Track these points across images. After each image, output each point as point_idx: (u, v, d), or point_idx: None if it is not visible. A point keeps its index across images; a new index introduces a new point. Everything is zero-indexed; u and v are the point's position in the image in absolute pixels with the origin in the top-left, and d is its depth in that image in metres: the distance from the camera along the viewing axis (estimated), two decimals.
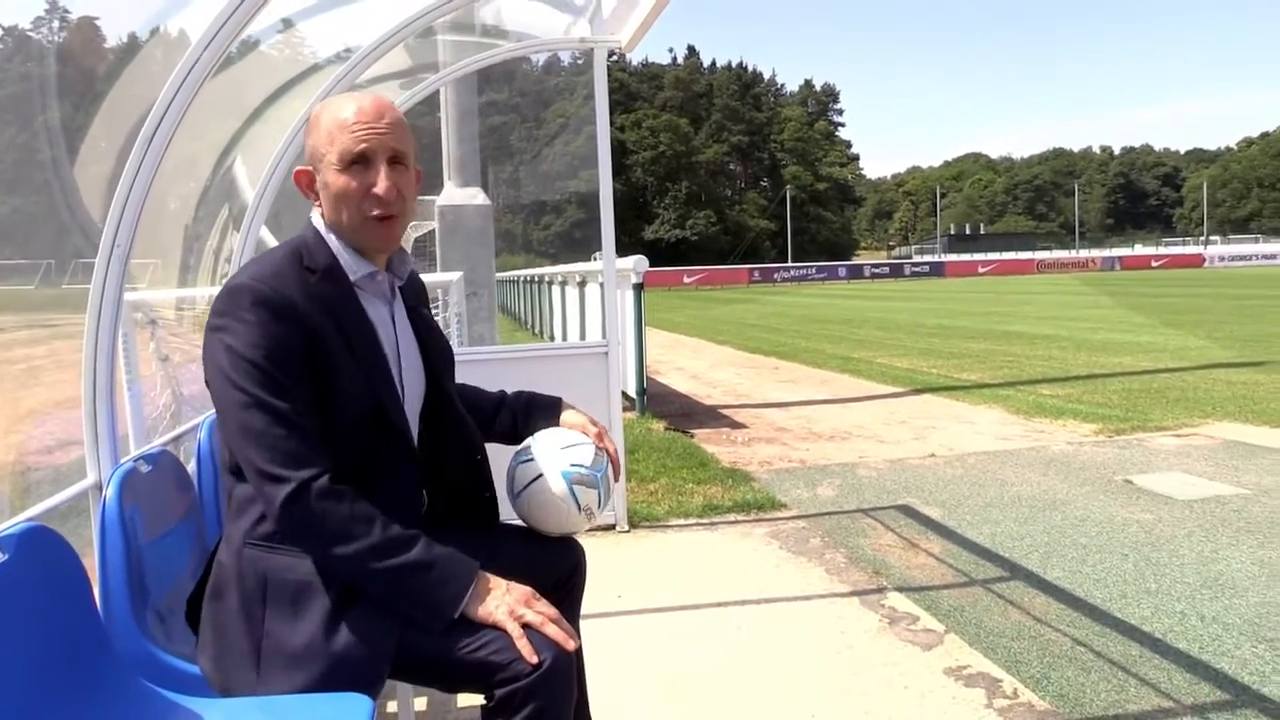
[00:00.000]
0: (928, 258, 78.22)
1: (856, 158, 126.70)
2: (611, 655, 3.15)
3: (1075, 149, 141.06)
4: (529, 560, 1.86)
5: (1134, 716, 2.67)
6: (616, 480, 2.06)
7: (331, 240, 1.74)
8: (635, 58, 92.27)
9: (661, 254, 79.28)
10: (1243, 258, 66.80)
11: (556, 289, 14.54)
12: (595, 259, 11.77)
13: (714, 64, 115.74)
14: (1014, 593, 3.74)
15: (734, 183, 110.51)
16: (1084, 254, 75.23)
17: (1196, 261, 64.97)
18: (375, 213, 1.70)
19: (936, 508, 5.05)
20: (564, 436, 2.01)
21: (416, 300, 1.95)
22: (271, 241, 4.92)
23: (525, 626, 1.58)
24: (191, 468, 2.51)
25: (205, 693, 1.66)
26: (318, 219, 1.77)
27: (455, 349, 2.10)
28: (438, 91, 8.50)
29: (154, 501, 2.05)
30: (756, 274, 60.89)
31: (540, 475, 1.93)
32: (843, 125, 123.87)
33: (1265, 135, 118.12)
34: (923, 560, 4.19)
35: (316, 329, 1.62)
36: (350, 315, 1.70)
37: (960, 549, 4.33)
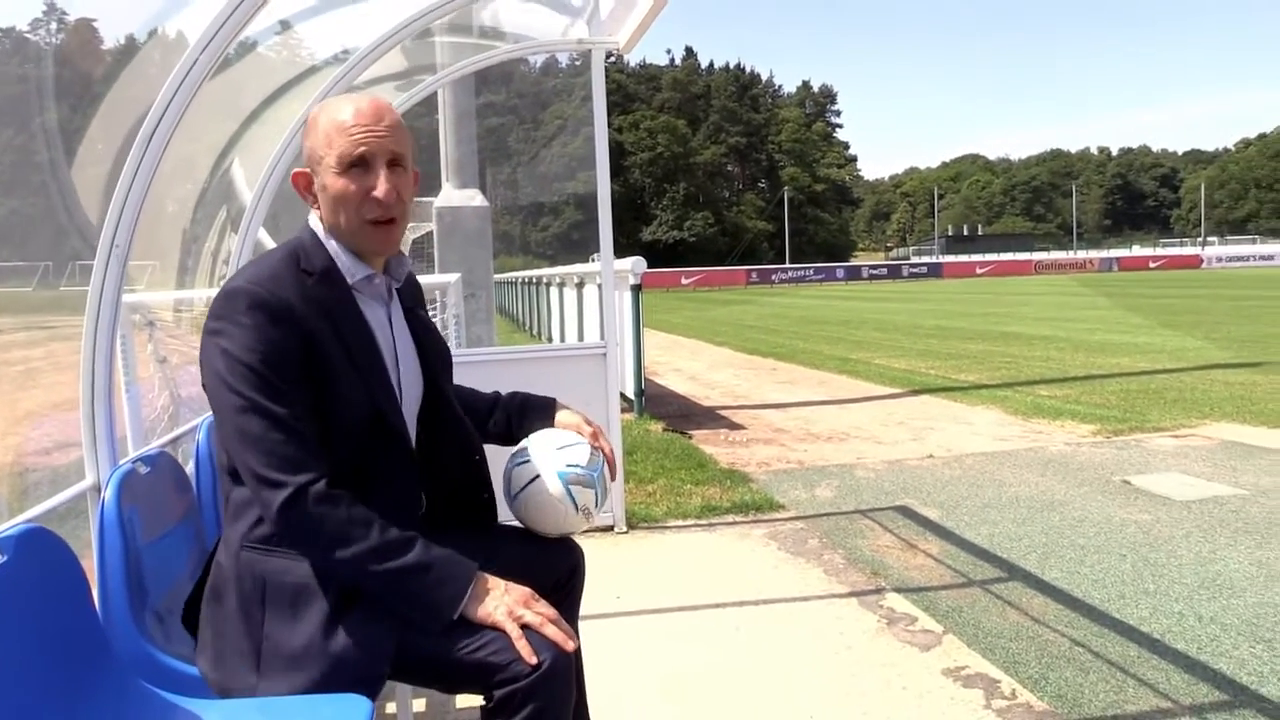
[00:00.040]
0: (925, 259, 78.24)
1: (854, 159, 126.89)
2: (610, 656, 3.15)
3: (1073, 150, 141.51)
4: (527, 561, 1.86)
5: (1132, 717, 2.68)
6: (613, 479, 2.06)
7: (329, 243, 1.74)
8: (633, 59, 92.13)
9: (659, 255, 79.31)
10: (1240, 258, 66.87)
11: (554, 290, 14.53)
12: (593, 260, 11.78)
13: (711, 65, 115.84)
14: (1012, 593, 3.74)
15: (732, 184, 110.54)
16: (1082, 255, 75.28)
17: (1194, 262, 65.05)
18: (374, 216, 1.69)
19: (934, 508, 5.06)
20: (559, 437, 2.01)
21: (413, 301, 1.95)
22: (269, 243, 4.92)
23: (524, 627, 1.58)
24: (190, 469, 2.51)
25: (204, 694, 1.66)
26: (315, 221, 1.77)
27: (453, 350, 2.10)
28: (436, 93, 8.51)
29: (152, 503, 2.05)
30: (754, 275, 60.88)
31: (536, 477, 1.93)
32: (840, 126, 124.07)
33: (1263, 136, 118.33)
34: (921, 561, 4.19)
35: (314, 332, 1.62)
36: (348, 319, 1.70)
37: (958, 550, 4.33)
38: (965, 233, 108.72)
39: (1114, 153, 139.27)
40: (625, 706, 2.84)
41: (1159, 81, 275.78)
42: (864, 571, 4.05)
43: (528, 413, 2.11)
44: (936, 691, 2.89)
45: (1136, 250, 78.86)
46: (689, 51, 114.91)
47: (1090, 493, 5.25)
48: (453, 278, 7.10)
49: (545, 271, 17.62)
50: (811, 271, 63.85)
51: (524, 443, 2.02)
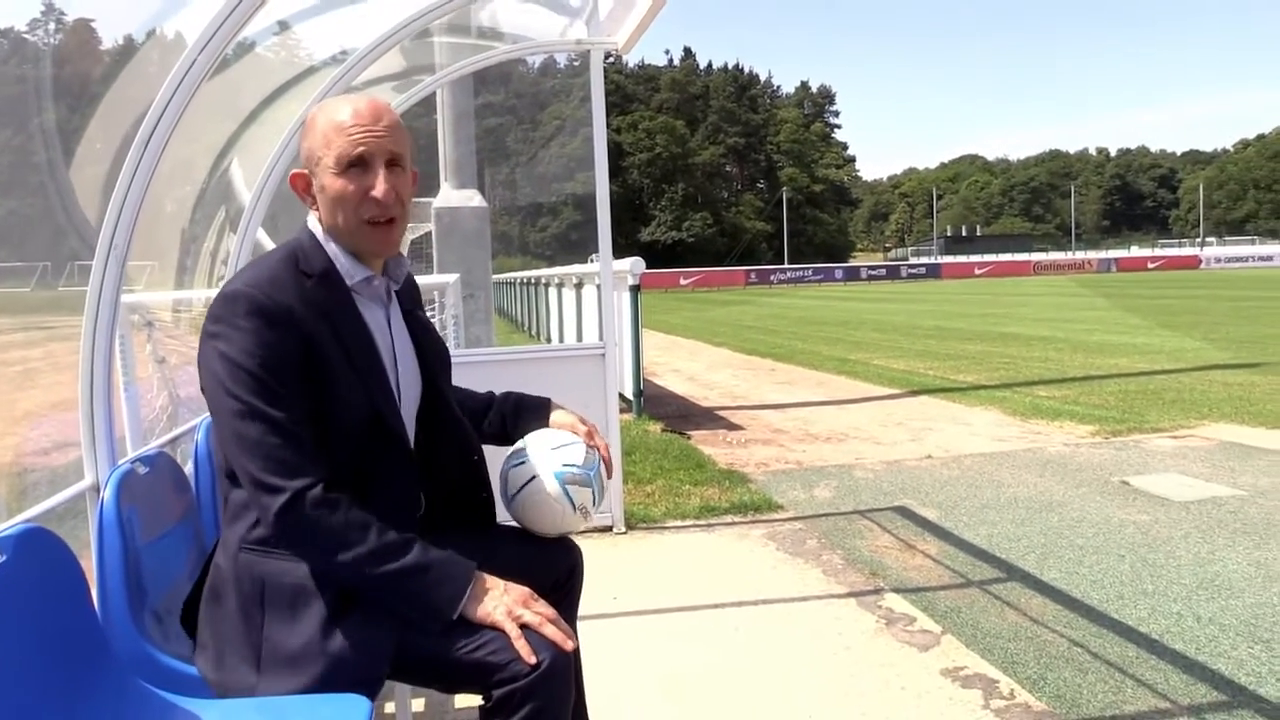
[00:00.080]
0: (924, 259, 78.27)
1: (853, 159, 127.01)
2: (609, 656, 3.15)
3: (1071, 151, 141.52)
4: (526, 561, 1.86)
5: (1131, 717, 2.68)
6: (609, 477, 2.06)
7: (328, 244, 1.73)
8: (631, 59, 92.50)
9: (658, 256, 79.32)
10: (1239, 259, 66.99)
11: (553, 291, 14.54)
12: (592, 261, 11.77)
13: (710, 66, 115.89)
14: (1011, 594, 3.74)
15: (730, 184, 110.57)
16: (1080, 255, 75.34)
17: (1193, 263, 65.12)
18: (373, 216, 1.69)
19: (933, 509, 5.06)
20: (554, 437, 2.02)
21: (412, 302, 1.94)
22: (268, 244, 4.92)
23: (523, 627, 1.58)
24: (189, 469, 2.51)
25: (203, 693, 1.66)
26: (314, 222, 1.76)
27: (452, 351, 2.10)
28: (434, 93, 8.50)
29: (151, 503, 2.05)
30: (753, 276, 60.93)
31: (533, 478, 1.94)
32: (839, 127, 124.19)
33: (1261, 137, 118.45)
34: (919, 561, 4.20)
35: (313, 336, 1.62)
36: (347, 321, 1.70)
37: (957, 550, 4.33)
38: (964, 233, 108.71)
39: (1112, 153, 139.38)
40: (624, 706, 2.84)
41: (1158, 82, 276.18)
42: (863, 572, 4.05)
43: (522, 413, 2.11)
44: (935, 692, 2.89)
45: (1135, 251, 78.98)
46: (687, 52, 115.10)
47: (1089, 493, 5.26)
48: (451, 278, 7.10)
49: (544, 272, 17.63)
50: (810, 272, 63.91)
51: (520, 444, 2.02)
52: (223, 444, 1.61)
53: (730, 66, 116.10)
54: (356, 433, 1.66)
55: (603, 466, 2.02)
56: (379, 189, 1.67)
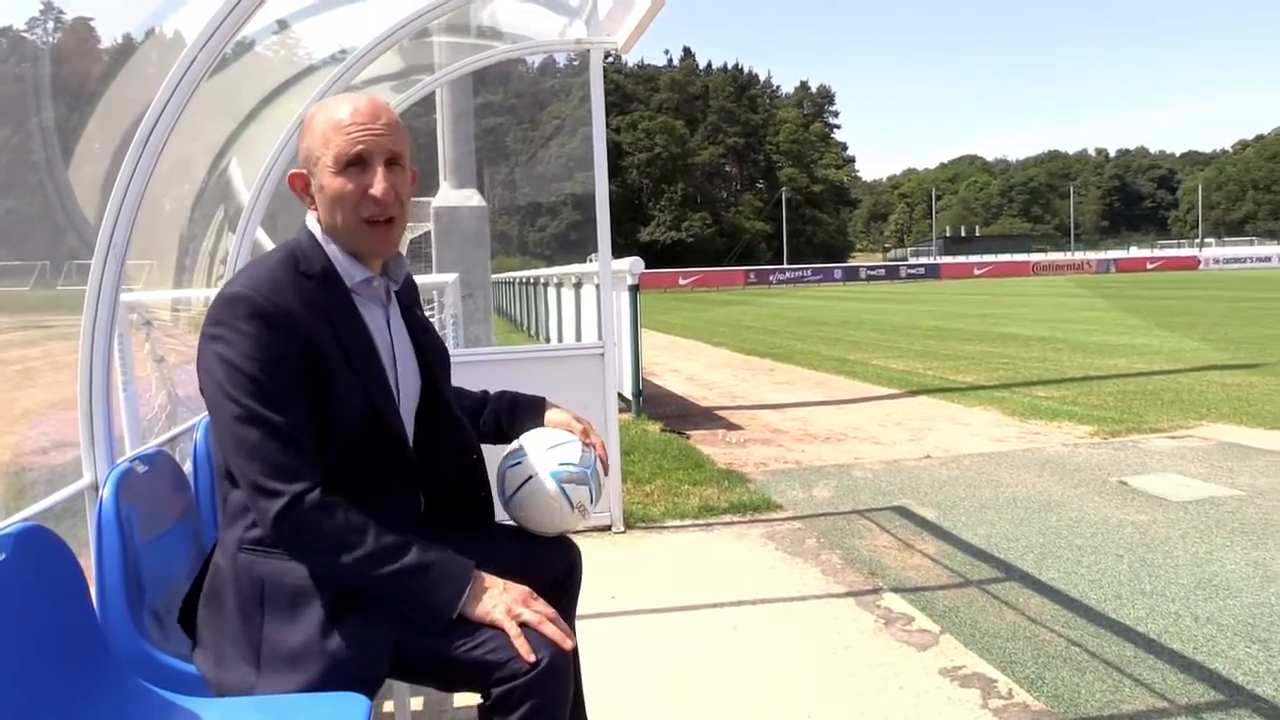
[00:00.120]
0: (923, 260, 78.29)
1: (852, 160, 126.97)
2: (608, 656, 3.15)
3: (1070, 151, 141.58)
4: (525, 561, 1.87)
5: (1128, 717, 2.68)
6: (606, 474, 2.07)
7: (327, 245, 1.73)
8: (631, 59, 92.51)
9: (657, 256, 79.35)
10: (1237, 260, 67.06)
11: (552, 290, 14.54)
12: (591, 260, 11.78)
13: (710, 66, 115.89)
14: (1009, 593, 3.74)
15: (729, 184, 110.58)
16: (1079, 256, 75.38)
17: (1191, 264, 65.18)
18: (371, 215, 1.68)
19: (932, 509, 5.06)
20: (550, 436, 2.02)
21: (410, 301, 1.94)
22: (267, 243, 4.91)
23: (523, 625, 1.59)
24: (188, 468, 2.51)
25: (202, 692, 1.66)
26: (313, 223, 1.75)
27: (451, 350, 2.10)
28: (433, 93, 8.50)
29: (150, 502, 2.05)
30: (752, 276, 60.95)
31: (530, 477, 1.94)
32: (838, 127, 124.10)
33: (1260, 138, 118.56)
34: (918, 561, 4.20)
35: (312, 338, 1.61)
36: (347, 323, 1.69)
37: (956, 550, 4.34)
38: (963, 234, 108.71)
39: (1111, 154, 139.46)
40: (623, 706, 2.84)
41: (1157, 83, 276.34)
42: (861, 571, 4.05)
43: (518, 411, 2.11)
44: (933, 691, 2.89)
45: (1134, 251, 79.07)
46: (687, 52, 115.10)
47: (1087, 493, 5.26)
48: (450, 278, 7.09)
49: (543, 272, 17.62)
50: (809, 272, 63.96)
51: (516, 444, 2.03)
52: (221, 447, 1.61)
53: (730, 66, 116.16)
54: (356, 433, 1.66)
55: (599, 464, 2.02)
56: (378, 188, 1.66)
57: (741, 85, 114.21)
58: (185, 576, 2.00)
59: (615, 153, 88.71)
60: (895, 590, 3.81)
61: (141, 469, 2.05)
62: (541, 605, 1.63)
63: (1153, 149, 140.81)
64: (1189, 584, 3.76)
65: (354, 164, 1.66)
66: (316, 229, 1.74)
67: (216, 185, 5.25)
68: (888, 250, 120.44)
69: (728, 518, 5.00)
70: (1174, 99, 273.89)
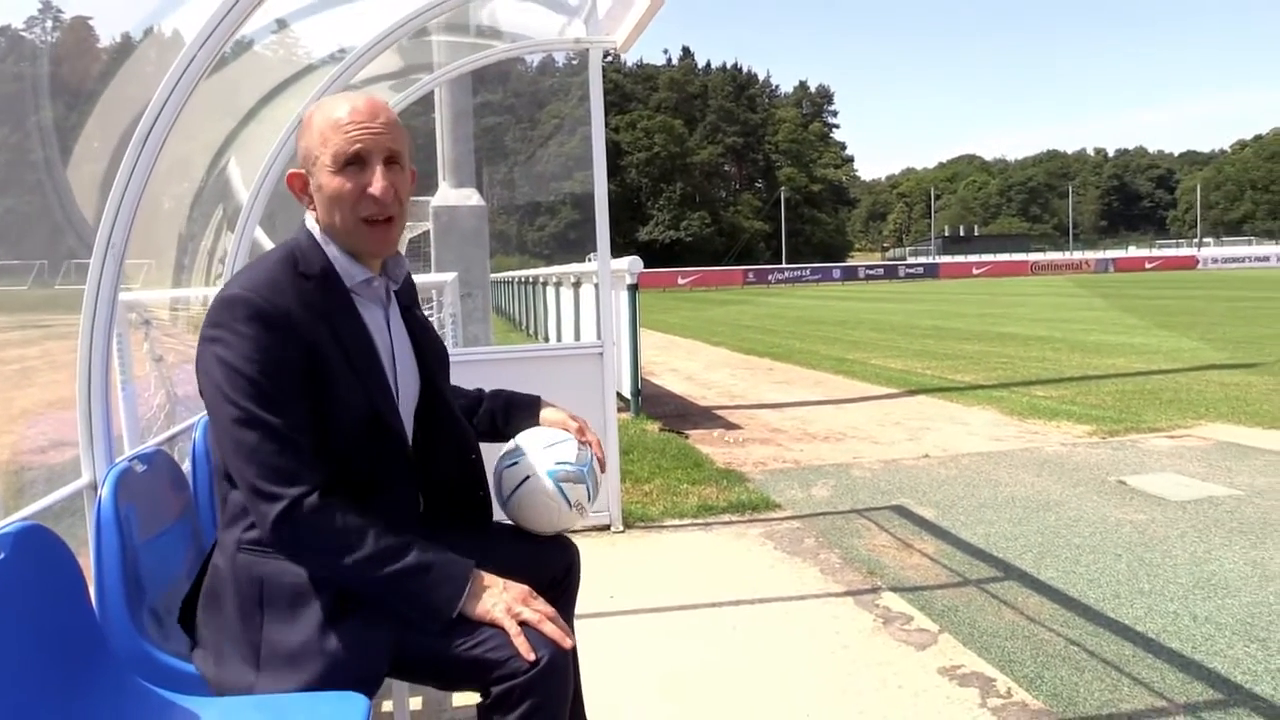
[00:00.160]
0: (922, 259, 78.33)
1: (851, 159, 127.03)
2: (607, 655, 3.15)
3: (1069, 151, 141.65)
4: (523, 560, 1.86)
5: (1127, 716, 2.68)
6: (603, 471, 2.07)
7: (327, 245, 1.72)
8: (630, 59, 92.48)
9: (656, 255, 79.35)
10: (1236, 260, 67.13)
11: (551, 290, 14.53)
12: (590, 260, 11.77)
13: (709, 65, 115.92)
14: (1008, 593, 3.75)
15: (728, 184, 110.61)
16: (1078, 256, 75.45)
17: (1190, 263, 65.24)
18: (370, 214, 1.67)
19: (930, 508, 5.06)
20: (546, 435, 2.02)
21: (409, 300, 1.94)
22: (266, 243, 4.91)
23: (522, 624, 1.58)
24: (186, 467, 2.51)
25: (202, 691, 1.66)
26: (312, 222, 1.74)
27: (450, 350, 2.10)
28: (432, 92, 8.50)
29: (149, 501, 2.04)
30: (751, 275, 60.95)
31: (527, 478, 1.94)
32: (837, 127, 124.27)
33: (1258, 138, 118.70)
34: (917, 560, 4.20)
35: (312, 339, 1.61)
36: (346, 323, 1.69)
37: (954, 549, 4.34)
38: (961, 233, 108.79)
39: (1110, 154, 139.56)
40: (622, 705, 2.84)
41: (1155, 83, 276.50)
42: (860, 571, 4.06)
43: (513, 410, 2.12)
44: (932, 690, 2.90)
45: (1132, 251, 79.09)
46: (686, 51, 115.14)
47: (1086, 493, 5.26)
48: (449, 277, 7.09)
49: (542, 271, 17.62)
50: (808, 272, 63.96)
51: (512, 444, 2.03)
52: (220, 449, 1.61)
53: (729, 66, 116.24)
54: (356, 434, 1.66)
55: (596, 462, 2.03)
56: (376, 186, 1.65)
57: (740, 85, 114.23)
58: (184, 576, 2.00)
59: (614, 152, 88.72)
60: (894, 589, 3.81)
61: (140, 468, 2.05)
62: (541, 604, 1.63)
63: (1151, 149, 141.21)
64: (1187, 583, 3.77)
65: (352, 163, 1.65)
66: (315, 229, 1.74)
67: (215, 184, 5.25)
68: (886, 250, 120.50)
69: (726, 517, 5.00)
70: (1173, 99, 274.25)
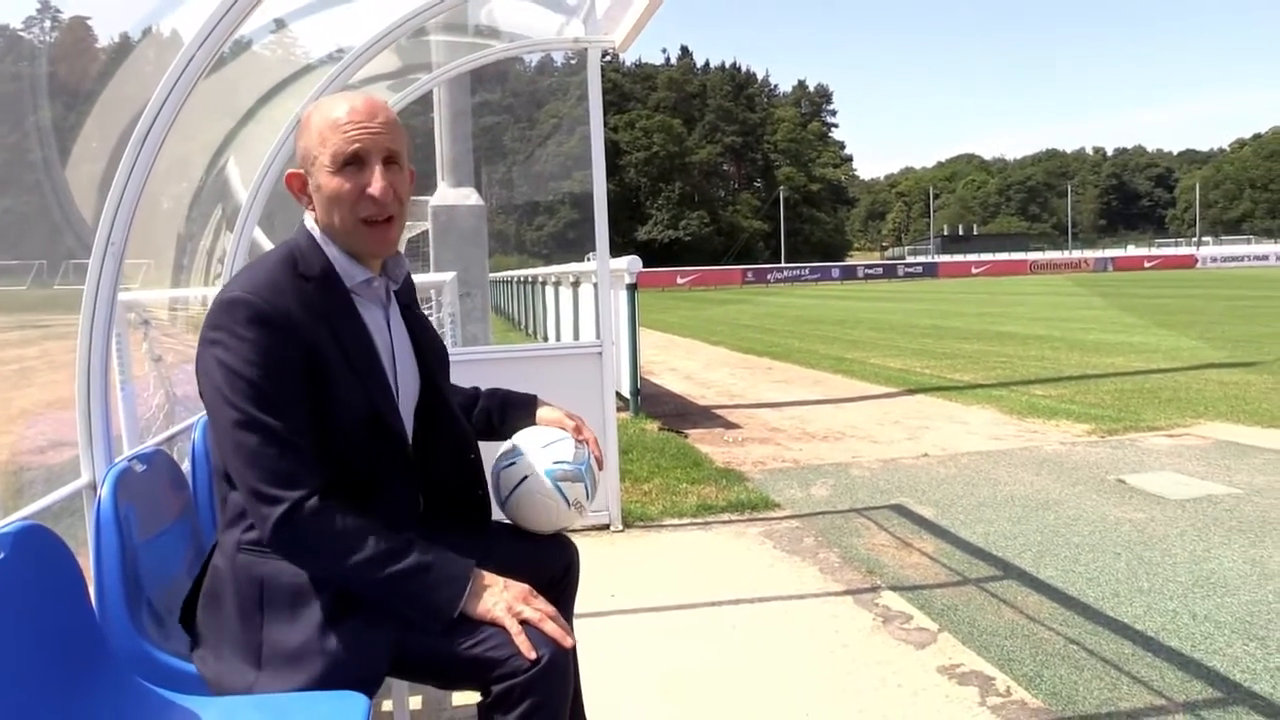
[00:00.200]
0: (921, 258, 78.39)
1: (850, 159, 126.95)
2: (607, 654, 3.15)
3: (1068, 150, 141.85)
4: (522, 559, 1.86)
5: (1126, 714, 2.69)
6: (601, 468, 2.07)
7: (327, 245, 1.71)
8: (629, 58, 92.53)
9: (655, 255, 79.35)
10: (1235, 259, 67.10)
11: (550, 289, 14.53)
12: (589, 259, 11.78)
13: (707, 64, 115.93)
14: (1007, 592, 3.75)
15: (727, 183, 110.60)
16: (1077, 255, 75.49)
17: (1189, 262, 65.27)
18: (369, 214, 1.66)
19: (930, 507, 5.07)
20: (543, 435, 2.02)
21: (409, 299, 1.94)
22: (265, 242, 4.91)
23: (523, 623, 1.58)
24: (186, 467, 2.51)
25: (201, 691, 1.66)
26: (311, 223, 1.74)
27: (449, 349, 2.10)
28: (431, 92, 8.50)
29: (149, 501, 2.05)
30: (750, 275, 60.95)
31: (525, 478, 1.95)
32: (836, 126, 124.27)
33: (1257, 137, 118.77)
34: (916, 559, 4.20)
35: (313, 340, 1.60)
36: (347, 324, 1.69)
37: (953, 548, 4.34)
38: (960, 232, 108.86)
39: (1109, 153, 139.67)
40: (622, 704, 2.84)
41: (1155, 82, 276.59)
42: (859, 570, 4.06)
43: (509, 409, 2.12)
44: (932, 689, 2.90)
45: (1131, 250, 79.07)
46: (684, 51, 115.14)
47: (1085, 491, 5.27)
48: (448, 276, 7.08)
49: (541, 270, 17.62)
50: (807, 271, 63.95)
51: (509, 444, 2.03)
52: (220, 451, 1.61)
53: (727, 65, 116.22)
54: (356, 434, 1.66)
55: (593, 460, 2.03)
56: (375, 186, 1.65)
57: (739, 84, 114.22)
58: (184, 575, 2.00)
59: (613, 151, 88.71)
60: (893, 588, 3.81)
61: (140, 468, 2.05)
62: (542, 603, 1.63)
63: (1150, 148, 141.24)
64: (1186, 582, 3.77)
65: (351, 163, 1.65)
66: (315, 229, 1.73)
67: (214, 184, 5.24)
68: (885, 249, 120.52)
69: (726, 516, 5.00)
70: (1172, 98, 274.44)
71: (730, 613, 3.63)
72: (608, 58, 5.00)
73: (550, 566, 1.97)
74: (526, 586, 1.65)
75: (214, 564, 1.70)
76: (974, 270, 65.23)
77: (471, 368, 3.59)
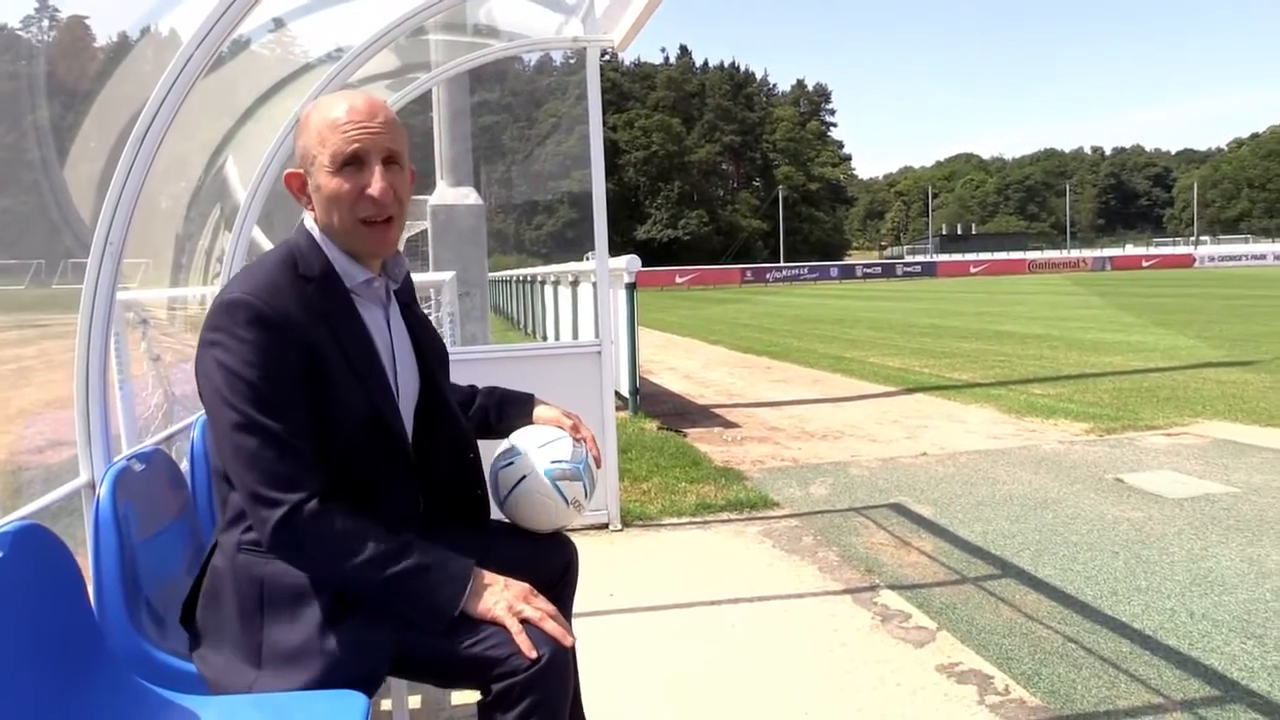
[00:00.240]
0: (919, 258, 78.41)
1: (848, 158, 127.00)
2: (606, 654, 3.15)
3: (1066, 149, 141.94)
4: (521, 558, 1.87)
5: (1124, 712, 2.69)
6: (599, 466, 2.07)
7: (326, 246, 1.71)
8: (627, 57, 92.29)
9: (654, 254, 79.31)
10: (1232, 258, 67.17)
11: (549, 289, 14.53)
12: (588, 259, 11.77)
13: (706, 64, 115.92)
14: (1005, 590, 3.75)
15: (726, 183, 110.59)
16: (1075, 254, 75.48)
17: (1187, 261, 65.32)
18: (369, 215, 1.66)
19: (928, 506, 5.07)
20: (540, 434, 2.03)
21: (408, 297, 1.93)
22: (264, 242, 4.91)
23: (524, 622, 1.59)
24: (184, 466, 2.51)
25: (200, 690, 1.66)
26: (310, 223, 1.73)
27: (448, 348, 2.10)
28: (430, 91, 8.49)
29: (147, 500, 2.05)
30: (749, 274, 60.97)
31: (524, 477, 1.95)
32: (835, 125, 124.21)
33: (1255, 136, 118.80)
34: (915, 558, 4.21)
35: (313, 342, 1.60)
36: (347, 325, 1.68)
37: (952, 547, 4.34)
38: (959, 232, 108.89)
39: (1107, 152, 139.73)
40: (620, 704, 2.84)
41: (1153, 81, 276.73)
42: (858, 569, 4.06)
43: (506, 408, 2.12)
44: (930, 688, 2.90)
45: (1130, 249, 79.13)
46: (683, 50, 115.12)
47: (1083, 490, 5.27)
48: (447, 276, 7.09)
49: (540, 270, 17.62)
50: (806, 270, 63.96)
51: (507, 444, 2.03)
52: (220, 454, 1.60)
53: (726, 64, 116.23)
54: (357, 435, 1.66)
55: (591, 458, 2.03)
56: (375, 187, 1.64)
57: (738, 83, 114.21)
58: (183, 574, 2.00)
59: (612, 151, 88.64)
60: (892, 587, 3.82)
61: (138, 467, 2.05)
62: (542, 602, 1.63)
63: (1148, 147, 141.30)
64: (1184, 580, 3.77)
65: (350, 163, 1.64)
66: (314, 229, 1.72)
67: (213, 183, 5.24)
68: (884, 248, 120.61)
69: (725, 515, 5.00)
70: (1170, 97, 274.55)
71: (729, 611, 3.63)
72: (606, 57, 5.00)
73: (549, 566, 1.97)
74: (527, 585, 1.65)
75: (214, 564, 1.70)
76: (972, 269, 65.25)
77: (470, 367, 3.59)
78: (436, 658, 1.60)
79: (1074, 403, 8.28)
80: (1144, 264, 64.66)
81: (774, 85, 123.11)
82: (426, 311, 2.34)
